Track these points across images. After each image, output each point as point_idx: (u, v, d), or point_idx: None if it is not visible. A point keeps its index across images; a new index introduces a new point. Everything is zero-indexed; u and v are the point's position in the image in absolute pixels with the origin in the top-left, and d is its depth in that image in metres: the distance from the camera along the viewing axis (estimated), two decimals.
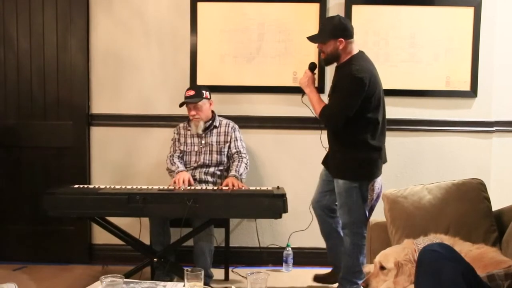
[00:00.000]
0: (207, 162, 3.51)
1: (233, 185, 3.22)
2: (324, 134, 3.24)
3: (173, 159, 3.54)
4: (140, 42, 3.82)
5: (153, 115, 3.85)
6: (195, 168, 3.51)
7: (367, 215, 3.16)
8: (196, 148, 3.54)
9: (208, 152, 3.53)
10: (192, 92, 3.48)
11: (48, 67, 3.81)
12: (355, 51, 3.07)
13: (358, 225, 3.08)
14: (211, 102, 3.55)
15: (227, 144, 3.55)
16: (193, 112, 3.47)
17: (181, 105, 3.48)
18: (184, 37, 3.80)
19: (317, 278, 3.43)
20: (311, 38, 3.14)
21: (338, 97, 3.01)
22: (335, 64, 3.13)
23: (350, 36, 3.05)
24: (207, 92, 3.52)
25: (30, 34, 3.80)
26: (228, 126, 3.59)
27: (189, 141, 3.57)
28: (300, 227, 3.76)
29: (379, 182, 3.15)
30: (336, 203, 3.18)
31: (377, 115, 3.04)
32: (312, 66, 3.19)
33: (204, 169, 3.51)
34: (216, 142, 3.54)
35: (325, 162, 3.27)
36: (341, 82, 3.01)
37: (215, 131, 3.56)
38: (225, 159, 3.55)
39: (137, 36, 3.82)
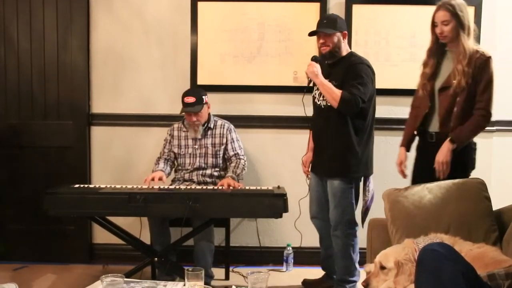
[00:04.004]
0: (203, 165, 3.48)
1: (228, 186, 3.19)
2: None
3: (158, 160, 3.53)
4: (140, 42, 3.82)
5: (153, 115, 3.85)
6: (192, 171, 3.48)
7: (363, 216, 3.16)
8: (190, 151, 3.50)
9: (203, 155, 3.48)
10: (192, 99, 3.36)
11: (49, 67, 3.81)
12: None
13: (350, 226, 3.09)
14: (209, 105, 3.50)
15: (223, 147, 3.50)
16: (193, 119, 3.40)
17: (181, 112, 3.41)
18: (184, 37, 3.80)
19: (306, 284, 3.40)
20: (320, 30, 3.05)
21: (355, 84, 2.96)
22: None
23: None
24: (206, 96, 3.44)
25: (30, 34, 3.80)
26: (223, 128, 3.51)
27: (183, 143, 3.52)
28: (300, 227, 3.75)
29: (371, 181, 3.16)
30: None
31: (373, 111, 3.11)
32: (315, 59, 3.13)
33: (201, 171, 3.47)
34: (211, 144, 3.49)
35: (314, 167, 3.24)
36: (354, 70, 3.01)
37: (209, 132, 3.50)
38: (221, 161, 3.51)
39: (137, 35, 3.82)
